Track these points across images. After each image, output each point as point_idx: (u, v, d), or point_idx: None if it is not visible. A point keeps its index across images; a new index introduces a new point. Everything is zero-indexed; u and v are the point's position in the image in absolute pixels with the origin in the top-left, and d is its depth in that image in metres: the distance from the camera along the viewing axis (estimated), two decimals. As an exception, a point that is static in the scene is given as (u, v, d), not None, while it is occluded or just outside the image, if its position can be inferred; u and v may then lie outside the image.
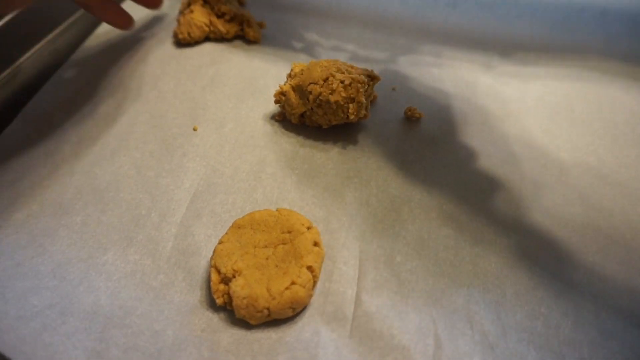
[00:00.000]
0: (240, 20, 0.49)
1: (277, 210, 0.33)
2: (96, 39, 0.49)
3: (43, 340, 0.28)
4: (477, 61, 0.47)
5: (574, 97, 0.39)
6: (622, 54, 0.36)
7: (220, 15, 0.49)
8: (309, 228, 0.32)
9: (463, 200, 0.36)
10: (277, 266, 0.30)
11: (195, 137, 0.40)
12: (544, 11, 0.42)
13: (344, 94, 0.37)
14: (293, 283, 0.29)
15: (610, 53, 0.36)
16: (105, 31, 0.50)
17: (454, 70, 0.46)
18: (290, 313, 0.29)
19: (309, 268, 0.30)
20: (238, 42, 0.50)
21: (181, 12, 0.50)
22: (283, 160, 0.38)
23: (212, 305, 0.30)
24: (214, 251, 0.31)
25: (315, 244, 0.31)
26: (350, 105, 0.37)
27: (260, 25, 0.50)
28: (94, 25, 0.50)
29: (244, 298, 0.28)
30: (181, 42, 0.49)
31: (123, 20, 0.43)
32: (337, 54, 0.49)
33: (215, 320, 0.29)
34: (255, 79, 0.45)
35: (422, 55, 0.48)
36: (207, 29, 0.49)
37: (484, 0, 0.47)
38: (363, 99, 0.37)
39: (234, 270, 0.30)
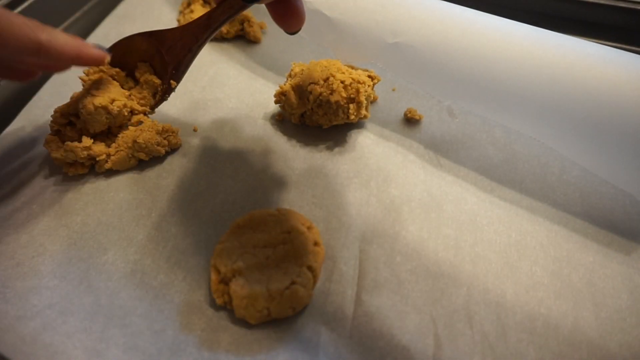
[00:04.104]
0: (240, 20, 0.49)
1: (277, 210, 0.33)
2: (96, 39, 0.49)
3: (43, 340, 0.28)
4: None
5: None
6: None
7: (220, 15, 0.49)
8: (309, 228, 0.32)
9: (463, 200, 0.36)
10: (277, 266, 0.30)
11: (195, 137, 0.40)
12: None
13: (344, 94, 0.37)
14: (293, 283, 0.29)
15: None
16: (104, 32, 0.50)
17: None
18: (290, 313, 0.29)
19: (309, 268, 0.30)
20: (238, 42, 0.50)
21: (181, 12, 0.50)
22: (283, 160, 0.38)
23: (212, 305, 0.30)
24: (214, 251, 0.31)
25: (316, 243, 0.31)
26: (351, 106, 0.37)
27: (261, 26, 0.50)
28: (94, 25, 0.50)
29: (244, 298, 0.28)
30: (181, 42, 0.49)
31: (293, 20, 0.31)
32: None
33: (215, 320, 0.29)
34: (255, 78, 0.45)
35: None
36: (207, 29, 0.49)
37: None
38: (363, 99, 0.37)
39: (234, 270, 0.30)
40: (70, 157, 0.35)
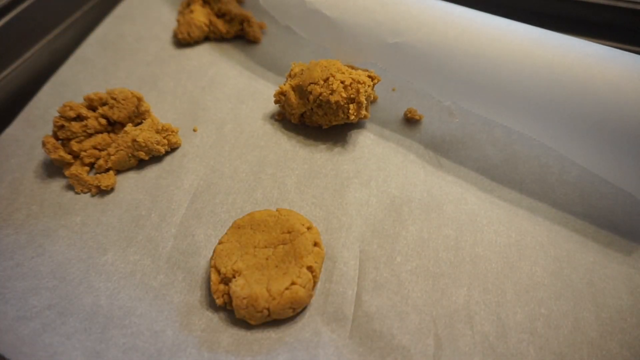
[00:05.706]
0: (240, 20, 0.49)
1: (277, 210, 0.33)
2: (96, 39, 0.49)
3: (43, 340, 0.28)
4: None
5: None
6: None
7: (220, 15, 0.49)
8: (309, 228, 0.32)
9: (463, 200, 0.36)
10: (277, 266, 0.30)
11: (195, 137, 0.40)
12: None
13: (344, 94, 0.37)
14: (293, 283, 0.29)
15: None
16: (104, 31, 0.50)
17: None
18: (290, 313, 0.29)
19: (309, 268, 0.30)
20: (238, 42, 0.50)
21: (181, 12, 0.50)
22: (283, 160, 0.38)
23: (212, 305, 0.30)
24: (214, 251, 0.31)
25: (315, 244, 0.31)
26: (351, 106, 0.37)
27: (261, 26, 0.50)
28: (94, 25, 0.50)
29: (244, 298, 0.28)
30: (181, 42, 0.49)
31: None
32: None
33: (215, 320, 0.29)
34: (255, 79, 0.45)
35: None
36: (207, 29, 0.49)
37: None
38: (363, 100, 0.37)
39: (234, 270, 0.30)
40: (75, 182, 0.36)
